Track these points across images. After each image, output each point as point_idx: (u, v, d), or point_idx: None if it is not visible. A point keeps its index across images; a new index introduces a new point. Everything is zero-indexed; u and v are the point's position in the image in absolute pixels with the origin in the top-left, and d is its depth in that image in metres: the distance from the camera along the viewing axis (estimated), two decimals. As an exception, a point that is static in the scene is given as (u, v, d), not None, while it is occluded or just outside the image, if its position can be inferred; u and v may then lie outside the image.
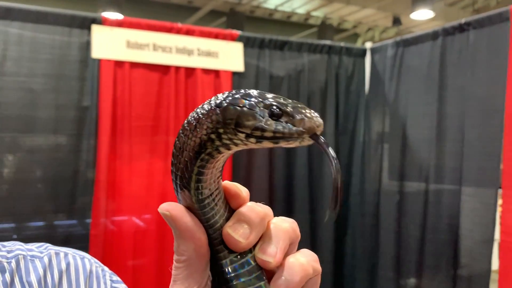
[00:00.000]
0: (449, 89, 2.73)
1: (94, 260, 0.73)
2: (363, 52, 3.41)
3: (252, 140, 0.35)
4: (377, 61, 3.31)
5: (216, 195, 0.38)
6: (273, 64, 3.14)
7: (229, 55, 3.00)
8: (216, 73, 2.97)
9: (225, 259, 0.38)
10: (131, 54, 2.71)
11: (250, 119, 0.34)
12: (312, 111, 0.36)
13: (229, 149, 0.36)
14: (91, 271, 0.69)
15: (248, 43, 3.08)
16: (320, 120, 0.35)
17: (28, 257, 0.66)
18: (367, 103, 3.38)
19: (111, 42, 2.66)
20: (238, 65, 3.03)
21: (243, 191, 0.41)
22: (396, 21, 7.89)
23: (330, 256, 3.24)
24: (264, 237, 0.39)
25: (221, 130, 0.36)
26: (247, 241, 0.38)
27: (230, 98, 0.36)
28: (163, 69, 2.81)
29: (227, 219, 0.39)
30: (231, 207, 0.40)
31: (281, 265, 0.38)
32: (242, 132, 0.35)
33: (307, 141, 0.35)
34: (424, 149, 2.89)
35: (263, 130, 0.34)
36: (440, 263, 2.74)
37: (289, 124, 0.34)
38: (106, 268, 0.73)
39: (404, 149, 3.04)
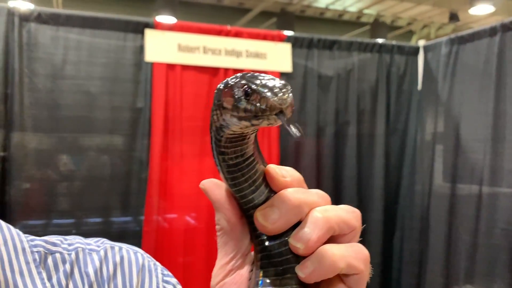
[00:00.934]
0: (507, 87, 2.60)
1: (146, 255, 0.76)
2: (415, 50, 3.31)
3: (234, 120, 0.36)
4: (431, 59, 3.21)
5: (249, 175, 0.40)
6: (321, 64, 3.12)
7: (277, 56, 3.02)
8: (265, 73, 2.99)
9: (263, 235, 0.41)
10: (182, 57, 2.79)
11: (229, 100, 0.36)
12: (284, 89, 0.36)
13: (228, 129, 0.38)
14: (143, 265, 0.73)
15: (296, 43, 3.08)
16: (286, 98, 0.35)
17: (87, 250, 0.71)
18: (419, 102, 3.28)
19: (164, 45, 2.75)
20: (286, 66, 3.04)
21: (285, 175, 0.41)
22: (453, 17, 7.57)
23: (377, 259, 3.17)
24: (302, 223, 0.39)
25: (217, 111, 0.38)
26: (273, 226, 0.39)
27: (224, 81, 0.39)
28: (213, 71, 2.88)
29: (267, 200, 0.41)
30: (272, 189, 0.42)
31: (313, 252, 0.39)
32: (227, 113, 0.37)
33: (274, 120, 0.35)
34: (478, 150, 2.77)
35: (237, 109, 0.35)
36: (494, 270, 2.61)
37: (258, 103, 0.35)
38: (157, 263, 0.76)
39: (458, 149, 2.92)
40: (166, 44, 2.76)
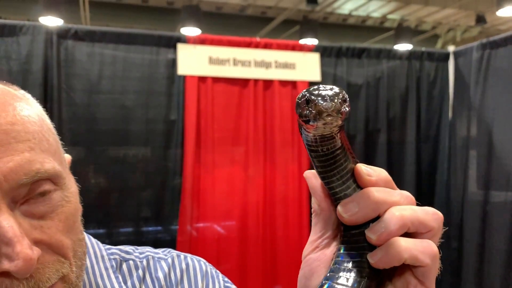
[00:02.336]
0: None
1: (208, 263, 0.83)
2: (446, 56, 3.29)
3: (303, 125, 0.42)
4: (462, 65, 3.18)
5: (336, 171, 0.46)
6: (350, 72, 3.14)
7: (306, 66, 3.05)
8: (293, 84, 3.03)
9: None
10: (213, 69, 2.84)
11: (297, 108, 0.42)
12: (334, 97, 0.40)
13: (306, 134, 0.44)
14: (206, 271, 0.79)
15: (325, 52, 3.10)
16: (333, 104, 0.39)
17: (156, 258, 0.77)
18: (452, 108, 3.25)
19: (195, 59, 2.81)
20: (315, 75, 3.06)
21: (371, 174, 0.45)
22: (480, 20, 7.46)
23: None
24: (379, 218, 0.44)
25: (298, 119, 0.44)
26: (350, 218, 0.45)
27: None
28: (243, 83, 2.92)
29: (353, 194, 0.46)
30: (359, 185, 0.46)
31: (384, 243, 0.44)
32: (299, 119, 0.43)
33: (324, 124, 0.40)
34: (513, 156, 2.73)
35: (301, 115, 0.41)
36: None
37: (312, 109, 0.40)
38: (218, 271, 0.83)
39: (491, 155, 2.88)
40: (198, 57, 2.82)
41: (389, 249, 0.42)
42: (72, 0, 6.71)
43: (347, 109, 0.41)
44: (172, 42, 2.80)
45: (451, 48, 3.30)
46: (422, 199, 2.55)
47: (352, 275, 0.45)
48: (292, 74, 3.03)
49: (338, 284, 0.45)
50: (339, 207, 0.46)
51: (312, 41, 6.80)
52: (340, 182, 0.46)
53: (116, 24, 7.47)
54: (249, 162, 2.92)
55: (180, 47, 2.80)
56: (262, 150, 2.96)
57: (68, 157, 0.65)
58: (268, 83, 2.98)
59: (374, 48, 3.20)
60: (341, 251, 0.47)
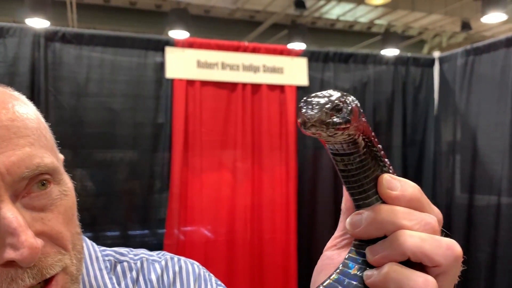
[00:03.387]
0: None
1: (201, 266, 0.84)
2: (431, 62, 3.34)
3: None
4: (446, 70, 3.23)
5: (356, 178, 0.43)
6: (337, 77, 3.17)
7: (293, 70, 3.07)
8: (281, 88, 3.05)
9: None
10: (201, 73, 2.85)
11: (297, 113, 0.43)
12: (318, 105, 0.39)
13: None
14: (199, 274, 0.80)
15: (312, 57, 3.13)
16: (308, 114, 0.38)
17: (150, 260, 0.79)
18: (436, 113, 3.30)
19: (183, 62, 2.82)
20: (302, 80, 3.08)
21: (393, 188, 0.42)
22: (465, 26, 7.58)
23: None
24: (384, 239, 0.42)
25: None
26: (353, 232, 0.43)
27: None
28: (231, 86, 2.93)
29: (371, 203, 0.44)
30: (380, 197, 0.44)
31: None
32: None
33: (313, 133, 0.39)
34: (496, 160, 2.78)
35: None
36: (517, 281, 2.61)
37: (299, 118, 0.40)
38: (211, 274, 0.84)
39: (475, 160, 2.93)
40: (186, 61, 2.83)
41: (383, 273, 0.41)
42: (59, 2, 6.66)
43: (344, 119, 0.39)
44: (160, 46, 2.80)
45: (436, 54, 3.35)
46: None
47: (353, 283, 0.44)
48: (280, 78, 3.05)
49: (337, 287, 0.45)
50: (347, 219, 0.44)
51: (300, 46, 6.84)
52: (360, 190, 0.44)
53: (104, 27, 7.43)
54: (237, 166, 2.93)
55: (169, 50, 2.80)
56: (250, 154, 2.97)
57: (61, 157, 0.67)
58: (256, 87, 3.00)
59: (361, 53, 3.24)
60: (350, 255, 0.45)
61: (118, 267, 0.76)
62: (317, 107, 0.40)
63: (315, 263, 0.51)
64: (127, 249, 0.82)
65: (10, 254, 0.48)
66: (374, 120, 3.23)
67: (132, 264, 0.77)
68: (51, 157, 0.56)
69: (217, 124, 2.91)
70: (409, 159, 3.30)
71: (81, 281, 0.70)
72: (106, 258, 0.76)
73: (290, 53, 3.10)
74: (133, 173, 2.82)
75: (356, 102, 0.42)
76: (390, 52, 7.05)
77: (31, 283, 0.50)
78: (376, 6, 7.53)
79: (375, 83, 3.23)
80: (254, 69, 2.98)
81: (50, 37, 2.60)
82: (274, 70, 3.03)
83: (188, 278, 0.79)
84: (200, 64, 2.86)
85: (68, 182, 0.60)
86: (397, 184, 0.42)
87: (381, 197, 0.43)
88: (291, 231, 3.02)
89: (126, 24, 7.86)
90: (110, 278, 0.74)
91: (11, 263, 0.49)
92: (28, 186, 0.53)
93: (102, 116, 2.72)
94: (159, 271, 0.77)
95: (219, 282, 0.83)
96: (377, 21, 8.41)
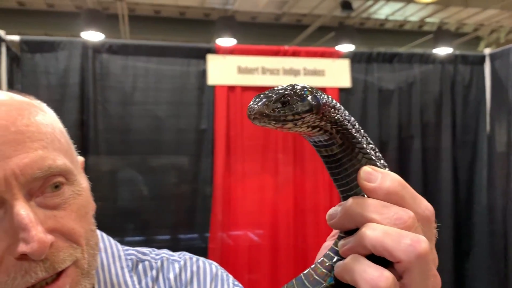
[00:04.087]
0: None
1: (220, 267, 0.87)
2: (481, 59, 3.18)
3: None
4: (499, 67, 3.07)
5: (335, 171, 0.44)
6: (382, 77, 3.09)
7: (335, 72, 3.03)
8: (323, 91, 2.99)
9: None
10: (242, 78, 2.88)
11: None
12: (259, 98, 0.41)
13: None
14: (216, 274, 0.83)
15: (355, 58, 3.07)
16: (251, 106, 0.40)
17: (170, 260, 0.83)
18: (490, 113, 3.14)
19: (224, 69, 2.86)
20: (345, 82, 3.04)
21: (372, 179, 0.41)
22: (525, 20, 7.16)
23: (448, 278, 3.03)
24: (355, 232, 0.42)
25: None
26: (330, 223, 0.44)
27: None
28: (272, 91, 2.94)
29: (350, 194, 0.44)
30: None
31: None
32: None
33: (257, 123, 0.41)
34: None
35: None
36: None
37: None
38: (229, 275, 0.86)
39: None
40: (227, 67, 2.87)
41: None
42: (112, 15, 6.97)
43: (291, 111, 0.40)
44: (202, 53, 2.86)
45: (487, 51, 3.19)
46: (460, 207, 2.45)
47: (325, 272, 0.45)
48: (322, 81, 3.02)
49: (306, 276, 0.45)
50: (328, 212, 0.45)
51: (348, 47, 6.75)
52: (343, 182, 0.44)
53: (155, 37, 7.69)
54: (279, 170, 2.93)
55: (210, 57, 2.86)
56: (292, 158, 2.96)
57: (81, 159, 0.72)
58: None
59: (406, 53, 3.15)
60: (333, 247, 0.46)
61: (140, 266, 0.80)
62: (263, 99, 0.41)
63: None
64: (149, 249, 0.85)
65: (22, 247, 0.52)
66: (422, 121, 3.12)
67: (153, 263, 0.81)
68: (64, 159, 0.60)
69: (258, 129, 2.92)
70: (460, 161, 3.16)
71: (102, 279, 0.74)
72: (128, 257, 0.80)
73: (332, 55, 3.06)
74: (178, 178, 2.89)
75: (318, 95, 0.43)
76: (443, 50, 6.79)
77: (43, 276, 0.54)
78: (427, 4, 7.28)
79: (422, 83, 3.13)
80: (295, 72, 2.98)
81: (97, 49, 2.73)
82: (315, 73, 3.01)
83: (205, 277, 0.81)
84: (241, 70, 2.89)
85: (82, 183, 0.65)
86: (376, 176, 0.41)
87: (361, 188, 0.42)
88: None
89: (176, 33, 8.09)
90: (131, 277, 0.77)
91: (25, 257, 0.53)
92: (42, 186, 0.57)
93: (147, 123, 2.81)
94: (177, 270, 0.80)
95: (236, 283, 0.84)
96: (428, 19, 8.13)
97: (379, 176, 0.41)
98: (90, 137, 2.69)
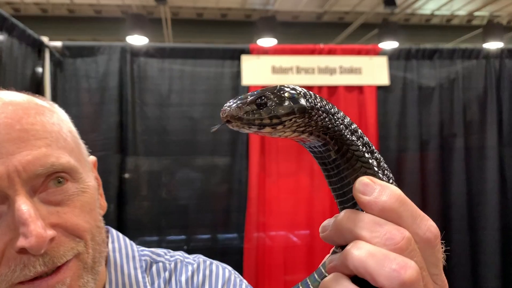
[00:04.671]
0: None
1: (234, 271, 0.86)
2: (530, 53, 3.01)
3: None
4: (549, 61, 2.89)
5: (331, 180, 0.42)
6: (421, 74, 2.99)
7: (373, 70, 2.96)
8: (360, 89, 2.95)
9: None
10: (276, 78, 2.87)
11: None
12: (238, 99, 0.39)
13: None
14: (229, 279, 0.82)
15: (393, 55, 2.99)
16: (223, 109, 0.39)
17: (184, 262, 0.83)
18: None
19: (259, 69, 2.86)
20: (383, 79, 2.96)
21: (367, 192, 0.38)
22: None
23: (494, 282, 2.88)
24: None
25: None
26: (322, 236, 0.41)
27: None
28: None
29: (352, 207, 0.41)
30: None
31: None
32: None
33: (232, 127, 0.40)
34: None
35: None
36: None
37: None
38: (244, 280, 0.85)
39: None
40: (261, 68, 2.87)
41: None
42: (155, 20, 7.15)
43: (268, 114, 0.37)
44: (236, 54, 2.88)
45: (536, 44, 3.01)
46: (507, 208, 2.32)
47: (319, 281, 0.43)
48: (359, 79, 2.95)
49: (303, 284, 0.44)
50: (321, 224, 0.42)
51: (392, 44, 6.56)
52: (340, 192, 0.41)
53: (197, 40, 7.82)
54: (314, 170, 2.89)
55: (244, 58, 2.86)
56: (328, 158, 2.92)
57: (93, 159, 0.75)
58: (332, 89, 2.94)
59: (447, 48, 3.02)
60: (324, 261, 0.44)
61: (154, 268, 0.81)
62: (237, 101, 0.39)
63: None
64: (164, 250, 0.86)
65: (21, 242, 0.54)
66: (465, 119, 2.98)
67: (167, 265, 0.82)
68: (69, 157, 0.62)
69: (293, 129, 2.90)
70: (507, 161, 2.99)
71: (114, 278, 0.75)
72: (143, 258, 0.81)
73: (369, 52, 2.99)
74: (213, 178, 2.92)
75: (304, 98, 0.40)
76: (493, 45, 6.47)
77: (42, 270, 0.56)
78: (476, -3, 6.98)
79: (464, 79, 2.99)
80: (330, 71, 2.93)
81: (135, 52, 2.80)
82: (351, 71, 2.95)
83: (217, 281, 0.81)
84: (275, 70, 2.88)
85: (89, 181, 0.66)
86: (372, 189, 0.38)
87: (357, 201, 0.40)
88: (374, 238, 2.90)
89: (218, 36, 8.18)
90: (144, 277, 0.78)
91: (25, 251, 0.55)
92: (45, 182, 0.59)
93: (183, 124, 2.86)
94: (190, 273, 0.81)
95: None
96: (478, 13, 7.78)
97: (376, 189, 0.38)
98: (129, 138, 2.77)
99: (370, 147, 0.42)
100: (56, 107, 0.70)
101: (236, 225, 2.88)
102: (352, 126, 0.42)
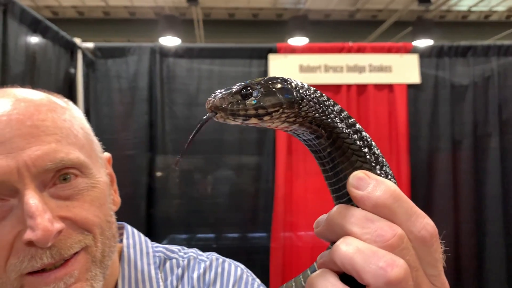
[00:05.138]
0: None
1: (247, 270, 0.86)
2: None
3: None
4: None
5: (327, 175, 0.42)
6: (454, 72, 2.90)
7: (403, 68, 2.90)
8: (390, 87, 2.90)
9: None
10: (303, 77, 2.85)
11: None
12: (223, 91, 0.39)
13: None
14: (241, 277, 0.82)
15: (424, 53, 2.92)
16: (209, 99, 0.39)
17: (197, 259, 0.84)
18: None
19: (286, 68, 2.85)
20: (414, 77, 2.89)
21: (360, 187, 0.37)
22: None
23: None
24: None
25: None
26: (315, 232, 0.41)
27: None
28: (335, 89, 2.88)
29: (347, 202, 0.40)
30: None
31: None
32: None
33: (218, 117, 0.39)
34: None
35: None
36: None
37: None
38: (257, 279, 0.85)
39: None
40: (288, 67, 2.86)
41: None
42: (188, 21, 7.24)
43: (252, 105, 0.37)
44: (264, 54, 2.88)
45: None
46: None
47: (302, 283, 0.43)
48: (388, 77, 2.90)
49: (293, 281, 0.44)
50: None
51: (426, 42, 6.41)
52: (335, 187, 0.41)
53: (229, 40, 7.86)
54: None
55: (272, 57, 2.86)
56: (357, 157, 2.87)
57: (107, 155, 0.76)
58: (362, 88, 2.90)
59: (481, 45, 2.92)
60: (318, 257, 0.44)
61: (167, 264, 0.81)
62: (222, 92, 0.39)
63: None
64: (178, 247, 0.87)
65: (28, 234, 0.55)
66: (501, 118, 2.88)
67: (180, 262, 0.82)
68: (79, 153, 0.63)
69: (321, 128, 2.87)
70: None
71: (127, 274, 0.76)
72: (157, 254, 0.82)
73: (399, 50, 2.93)
74: (240, 177, 2.93)
75: (294, 88, 0.38)
76: (534, 41, 6.21)
77: (49, 262, 0.57)
78: (516, -9, 6.72)
79: (500, 77, 2.89)
80: (360, 69, 2.89)
81: (164, 53, 2.85)
82: (381, 69, 2.90)
83: (229, 279, 0.81)
84: (303, 69, 2.87)
85: (99, 177, 0.67)
86: (366, 183, 0.37)
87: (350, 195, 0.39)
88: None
89: (249, 35, 8.21)
90: (157, 273, 0.79)
91: (32, 243, 0.56)
92: (54, 177, 0.60)
93: (211, 123, 2.84)
94: (202, 270, 0.81)
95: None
96: (518, 8, 7.49)
97: (371, 183, 0.37)
98: (158, 137, 2.82)
99: (368, 142, 0.41)
100: (70, 104, 0.72)
101: (264, 224, 2.88)
102: (350, 120, 0.41)
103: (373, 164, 0.40)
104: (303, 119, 0.39)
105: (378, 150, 0.41)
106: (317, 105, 0.39)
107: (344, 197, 0.39)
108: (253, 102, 0.37)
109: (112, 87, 2.78)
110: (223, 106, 0.38)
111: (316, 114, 0.39)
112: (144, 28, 7.62)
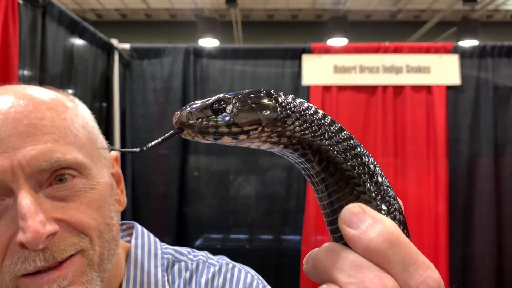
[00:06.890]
0: None
1: (258, 276, 0.82)
2: None
3: None
4: None
5: (322, 204, 0.37)
6: (497, 73, 2.77)
7: (442, 69, 2.79)
8: (428, 89, 2.80)
9: None
10: (338, 78, 2.80)
11: None
12: (191, 106, 0.34)
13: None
14: (250, 284, 0.79)
15: (465, 53, 2.80)
16: (176, 115, 0.34)
17: (207, 263, 0.80)
18: None
19: (320, 68, 2.81)
20: (453, 79, 2.78)
21: (351, 224, 0.33)
22: None
23: None
24: None
25: None
26: (304, 266, 0.36)
27: None
28: (370, 90, 2.81)
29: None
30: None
31: None
32: None
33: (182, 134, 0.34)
34: None
35: None
36: None
37: None
38: (267, 285, 0.82)
39: None
40: (322, 67, 2.81)
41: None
42: (226, 22, 7.30)
43: (225, 121, 0.33)
44: (297, 54, 2.85)
45: None
46: None
47: None
48: (427, 78, 2.80)
49: None
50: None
51: (471, 43, 6.16)
52: (330, 219, 0.36)
53: (268, 41, 7.85)
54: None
55: (305, 58, 2.83)
56: (392, 162, 2.80)
57: (113, 154, 0.73)
58: (398, 89, 2.81)
59: (527, 45, 2.78)
60: None
61: (176, 267, 0.79)
62: (192, 105, 0.35)
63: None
64: (188, 249, 0.84)
65: (20, 236, 0.54)
66: (548, 123, 2.72)
67: (189, 265, 0.79)
68: (77, 153, 0.60)
69: (355, 130, 2.81)
70: None
71: (133, 275, 0.74)
72: (165, 256, 0.79)
73: (439, 50, 2.83)
74: (273, 178, 2.91)
75: (277, 104, 0.34)
76: None
77: (42, 265, 0.56)
78: None
79: (548, 78, 2.73)
80: (396, 70, 2.81)
81: (198, 54, 2.87)
82: (419, 70, 2.81)
83: (237, 286, 0.78)
84: (337, 69, 2.81)
85: (100, 177, 0.64)
86: (360, 220, 0.32)
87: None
88: (441, 249, 2.73)
89: (288, 37, 8.17)
90: (163, 276, 0.76)
91: (24, 245, 0.55)
92: (50, 178, 0.58)
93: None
94: (210, 275, 0.78)
95: None
96: None
97: (365, 221, 0.32)
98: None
99: (369, 168, 0.35)
100: (76, 101, 0.69)
101: (296, 227, 2.85)
102: (349, 142, 0.36)
103: (373, 195, 0.34)
104: (288, 140, 0.34)
105: (383, 178, 0.36)
106: (306, 124, 0.34)
107: (338, 232, 0.34)
108: (227, 119, 0.33)
109: (147, 88, 2.83)
110: (190, 122, 0.34)
111: (305, 135, 0.34)
112: (184, 30, 7.74)
